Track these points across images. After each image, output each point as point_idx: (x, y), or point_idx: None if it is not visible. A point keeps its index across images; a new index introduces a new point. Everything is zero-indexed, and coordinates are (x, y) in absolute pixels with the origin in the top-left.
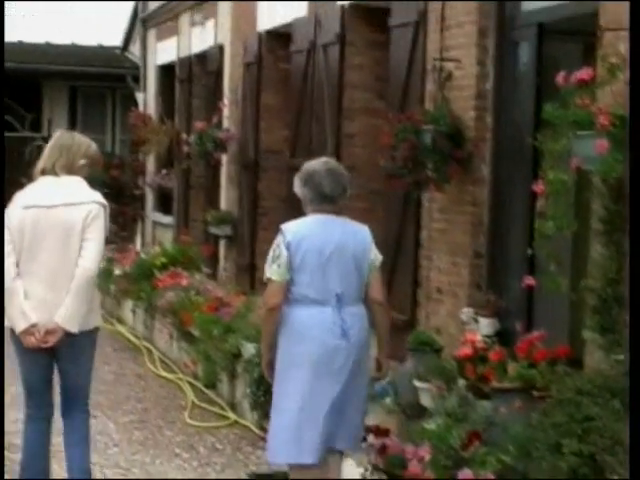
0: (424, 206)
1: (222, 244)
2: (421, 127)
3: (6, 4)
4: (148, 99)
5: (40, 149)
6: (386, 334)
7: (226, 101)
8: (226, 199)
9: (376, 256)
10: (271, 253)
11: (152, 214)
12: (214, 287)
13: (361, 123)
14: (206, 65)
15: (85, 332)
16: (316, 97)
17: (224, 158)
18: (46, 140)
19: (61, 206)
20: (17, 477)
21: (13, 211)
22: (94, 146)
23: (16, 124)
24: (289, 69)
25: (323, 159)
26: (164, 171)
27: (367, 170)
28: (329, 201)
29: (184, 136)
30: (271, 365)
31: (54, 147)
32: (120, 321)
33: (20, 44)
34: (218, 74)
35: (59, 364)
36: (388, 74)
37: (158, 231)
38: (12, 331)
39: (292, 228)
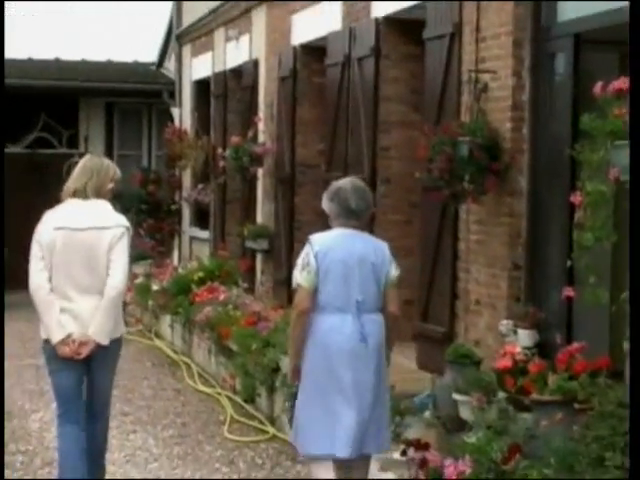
0: (461, 218)
1: (259, 258)
2: (457, 139)
3: (42, 21)
4: (184, 114)
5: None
6: (392, 347)
7: (261, 115)
8: (262, 213)
9: (394, 270)
10: (300, 261)
11: (189, 229)
12: (251, 301)
13: (397, 136)
14: (241, 80)
15: (113, 340)
16: (351, 110)
17: (260, 172)
18: (83, 157)
19: (90, 229)
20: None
21: (45, 230)
22: (119, 171)
23: (54, 141)
24: (324, 83)
25: (350, 178)
26: (200, 186)
27: (403, 183)
28: (354, 216)
29: (220, 151)
30: (297, 370)
31: (84, 170)
32: (158, 336)
33: (57, 61)
34: (253, 88)
35: (89, 372)
36: (423, 86)
37: (195, 246)
38: (46, 341)
39: (319, 239)
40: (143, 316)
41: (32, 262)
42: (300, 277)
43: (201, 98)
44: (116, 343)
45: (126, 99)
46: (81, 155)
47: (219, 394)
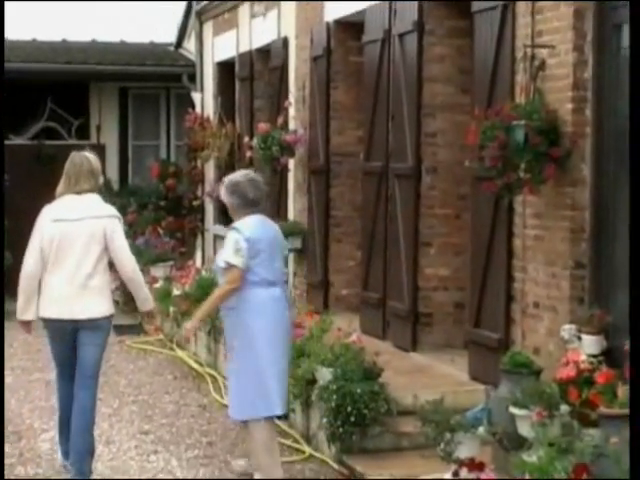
0: (516, 211)
1: (291, 259)
2: (512, 123)
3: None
4: (206, 100)
5: None
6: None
7: (292, 100)
8: (294, 209)
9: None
10: (231, 246)
11: (213, 227)
12: None
13: (443, 120)
14: (269, 60)
15: (104, 317)
16: (392, 93)
17: (291, 163)
18: (94, 148)
19: (86, 219)
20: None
21: (45, 223)
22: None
23: (62, 131)
24: (361, 62)
25: (243, 171)
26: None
27: (451, 172)
28: (255, 205)
29: (246, 140)
30: (194, 331)
31: (82, 171)
32: (180, 346)
33: (64, 43)
34: (283, 70)
35: (79, 344)
36: (472, 65)
37: (219, 245)
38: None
39: (246, 225)
40: (163, 324)
41: (29, 251)
42: (234, 259)
43: (225, 81)
44: (108, 320)
45: (142, 84)
46: (94, 147)
47: None
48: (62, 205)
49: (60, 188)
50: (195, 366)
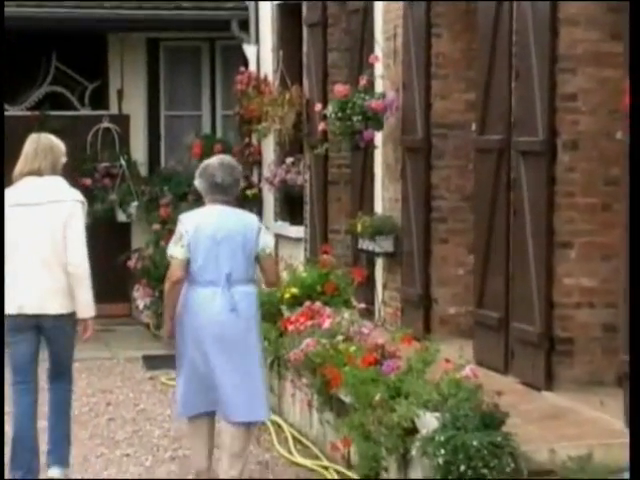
0: None
1: (379, 265)
2: None
3: None
4: (263, 54)
5: (109, 132)
6: None
7: (379, 53)
8: (383, 199)
9: (266, 244)
10: (173, 239)
11: (274, 224)
12: (371, 329)
13: (587, 77)
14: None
15: (67, 314)
16: (516, 41)
17: (379, 137)
18: (115, 120)
19: (47, 203)
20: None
21: (4, 208)
22: (63, 144)
23: (72, 98)
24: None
25: (220, 155)
26: (290, 160)
27: (598, 147)
28: (222, 191)
29: (318, 107)
30: (173, 331)
31: (37, 151)
32: None
33: None
34: (366, 13)
35: (48, 343)
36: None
37: (284, 248)
38: (7, 316)
39: (189, 218)
40: None
41: None
42: (174, 250)
43: (289, 29)
44: (71, 317)
45: (177, 34)
46: (113, 118)
47: (325, 468)
48: (24, 188)
49: (17, 168)
50: None
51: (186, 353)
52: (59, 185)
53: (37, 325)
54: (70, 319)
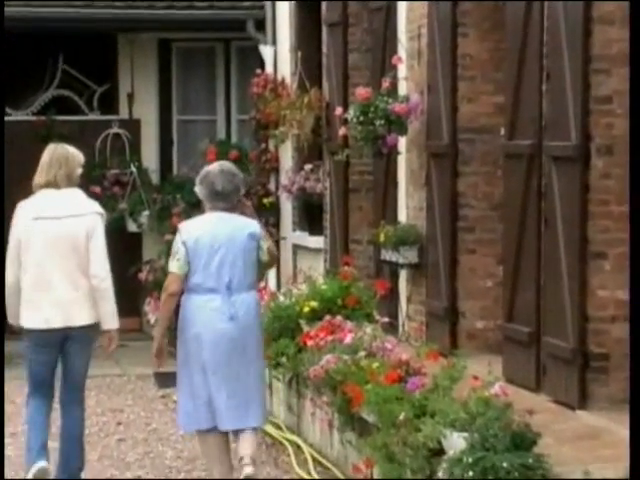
0: None
1: (403, 277)
2: None
3: None
4: (280, 55)
5: (118, 138)
6: None
7: (403, 54)
8: (407, 207)
9: (264, 252)
10: (172, 250)
11: (292, 233)
12: (395, 345)
13: (622, 78)
14: None
15: (92, 325)
16: (547, 41)
17: (402, 143)
18: (125, 125)
19: (67, 217)
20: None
21: (21, 222)
22: (81, 155)
23: (80, 102)
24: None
25: (220, 162)
26: (309, 166)
27: None
28: (221, 198)
29: (338, 111)
30: (162, 352)
31: (52, 161)
32: None
33: None
34: (389, 11)
35: (66, 355)
36: None
37: (302, 259)
38: (26, 331)
39: (187, 228)
40: None
41: (9, 259)
42: (171, 264)
43: (307, 29)
44: (95, 328)
45: (190, 34)
46: (122, 123)
47: None
48: (42, 201)
49: (35, 179)
50: (270, 430)
51: (186, 364)
52: (77, 198)
53: (62, 338)
54: (94, 330)
